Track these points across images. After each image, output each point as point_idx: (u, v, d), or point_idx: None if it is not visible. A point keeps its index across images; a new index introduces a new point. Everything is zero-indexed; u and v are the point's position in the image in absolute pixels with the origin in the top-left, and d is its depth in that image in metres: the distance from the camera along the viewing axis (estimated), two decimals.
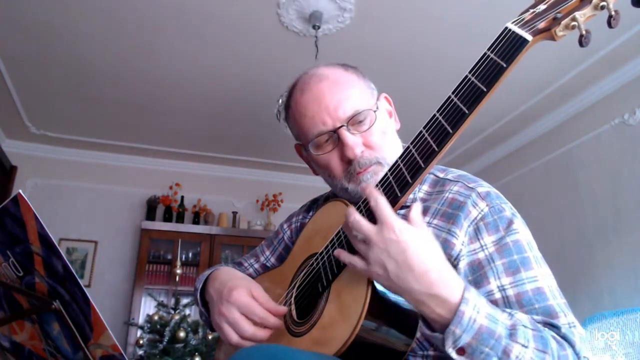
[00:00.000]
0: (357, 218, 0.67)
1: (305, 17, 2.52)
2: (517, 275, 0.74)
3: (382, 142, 0.88)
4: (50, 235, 0.79)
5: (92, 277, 3.98)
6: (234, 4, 2.44)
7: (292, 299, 0.86)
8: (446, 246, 0.78)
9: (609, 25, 0.60)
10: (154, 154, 4.32)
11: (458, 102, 0.66)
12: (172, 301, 3.04)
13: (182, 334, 2.71)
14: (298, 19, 2.55)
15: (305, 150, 0.94)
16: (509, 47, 0.62)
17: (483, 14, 2.45)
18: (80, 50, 2.81)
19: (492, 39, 0.65)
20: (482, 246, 0.78)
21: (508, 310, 0.69)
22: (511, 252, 0.76)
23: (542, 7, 0.64)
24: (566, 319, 0.71)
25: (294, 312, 0.84)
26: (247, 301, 0.82)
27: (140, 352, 2.79)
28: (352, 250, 0.71)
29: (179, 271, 3.04)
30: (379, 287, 0.71)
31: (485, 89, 0.63)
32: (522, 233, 0.79)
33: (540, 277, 0.75)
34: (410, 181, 0.69)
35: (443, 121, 0.67)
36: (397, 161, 0.72)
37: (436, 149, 0.67)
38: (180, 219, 4.23)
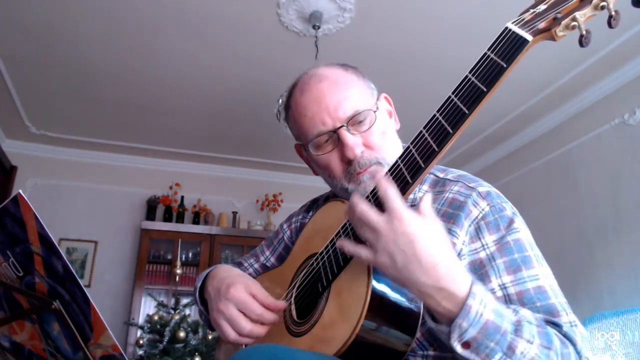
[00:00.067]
0: (364, 208, 0.66)
1: (305, 17, 2.52)
2: (519, 273, 0.75)
3: (382, 143, 0.88)
4: (50, 235, 0.79)
5: (92, 277, 3.98)
6: (234, 4, 2.44)
7: (292, 298, 0.86)
8: None
9: (609, 25, 0.60)
10: (154, 154, 4.32)
11: (458, 102, 0.66)
12: (172, 301, 3.04)
13: (182, 334, 2.71)
14: (298, 19, 2.55)
15: (305, 151, 0.94)
16: (509, 47, 0.62)
17: (483, 14, 2.45)
18: (80, 50, 2.81)
19: (492, 39, 0.65)
20: (483, 245, 0.78)
21: (512, 306, 0.69)
22: (512, 251, 0.76)
23: (542, 7, 0.64)
24: (568, 317, 0.71)
25: (294, 312, 0.84)
26: (244, 298, 0.82)
27: (140, 352, 2.79)
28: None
29: (179, 271, 3.04)
30: (378, 287, 0.71)
31: (485, 89, 0.63)
32: (522, 232, 0.79)
33: (541, 275, 0.75)
34: (410, 181, 0.69)
35: (443, 121, 0.67)
36: (397, 161, 0.72)
37: (436, 149, 0.66)
38: (180, 219, 4.23)
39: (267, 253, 1.12)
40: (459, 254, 0.78)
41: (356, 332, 0.68)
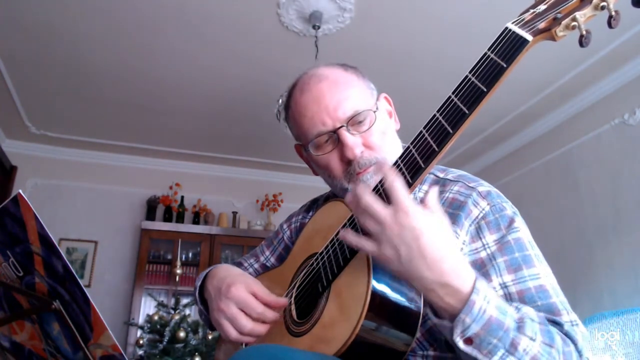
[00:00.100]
0: (370, 200, 0.65)
1: (305, 17, 2.52)
2: (519, 272, 0.75)
3: (382, 143, 0.88)
4: (50, 235, 0.79)
5: (92, 277, 3.98)
6: (234, 4, 2.44)
7: (292, 298, 0.86)
8: None
9: (609, 25, 0.60)
10: (154, 154, 4.32)
11: (458, 102, 0.65)
12: (172, 301, 3.04)
13: (182, 334, 2.71)
14: (298, 19, 2.55)
15: (305, 151, 0.94)
16: (509, 47, 0.62)
17: (483, 14, 2.45)
18: (80, 50, 2.81)
19: (492, 39, 0.65)
20: (484, 245, 0.78)
21: (514, 304, 0.69)
22: (513, 250, 0.76)
23: (542, 7, 0.64)
24: (568, 316, 0.71)
25: (294, 312, 0.84)
26: (245, 296, 0.82)
27: (140, 352, 2.79)
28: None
29: (179, 271, 3.04)
30: (379, 287, 0.71)
31: (485, 89, 0.63)
32: (523, 231, 0.79)
33: (542, 274, 0.75)
34: (410, 181, 0.68)
35: (443, 121, 0.67)
36: (397, 161, 0.72)
37: (436, 149, 0.66)
38: (180, 219, 4.23)
39: (267, 253, 1.12)
40: None
41: (356, 332, 0.68)
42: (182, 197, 4.32)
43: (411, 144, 0.71)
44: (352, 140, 0.86)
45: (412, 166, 0.69)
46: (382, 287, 0.71)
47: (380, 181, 0.71)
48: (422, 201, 0.67)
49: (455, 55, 2.76)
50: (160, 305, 2.99)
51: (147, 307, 3.87)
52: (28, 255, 0.82)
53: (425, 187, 0.90)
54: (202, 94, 3.30)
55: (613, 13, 0.59)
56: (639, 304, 2.63)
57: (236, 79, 3.11)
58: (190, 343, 2.75)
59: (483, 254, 0.77)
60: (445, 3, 2.42)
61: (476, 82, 0.64)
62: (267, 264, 1.11)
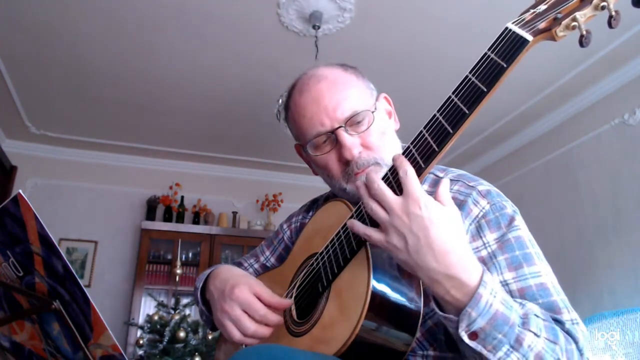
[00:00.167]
0: (381, 187, 0.65)
1: (305, 17, 2.52)
2: (520, 270, 0.74)
3: (381, 143, 0.88)
4: (50, 235, 0.79)
5: (92, 277, 3.98)
6: (234, 4, 2.44)
7: (292, 298, 0.86)
8: None
9: (610, 25, 0.59)
10: (154, 154, 4.32)
11: (458, 102, 0.65)
12: (172, 301, 3.04)
13: (182, 334, 2.71)
14: (298, 19, 2.55)
15: (304, 151, 0.94)
16: (510, 47, 0.62)
17: (483, 14, 2.45)
18: (80, 50, 2.81)
19: (493, 39, 0.65)
20: (484, 244, 0.78)
21: (518, 300, 0.69)
22: (513, 248, 0.76)
23: (542, 7, 0.64)
24: (569, 315, 0.71)
25: (294, 312, 0.84)
26: (248, 298, 0.82)
27: (140, 352, 2.79)
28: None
29: (179, 271, 3.04)
30: (379, 286, 0.71)
31: (485, 89, 0.63)
32: (523, 230, 0.79)
33: (543, 272, 0.75)
34: None
35: (443, 121, 0.67)
36: None
37: (436, 149, 0.66)
38: (180, 219, 4.23)
39: (267, 253, 1.12)
40: None
41: (356, 332, 0.68)
42: (182, 197, 4.32)
43: (411, 143, 0.70)
44: (350, 140, 0.86)
45: (412, 166, 0.69)
46: (382, 287, 0.71)
47: (390, 169, 0.70)
48: (434, 193, 0.67)
49: (455, 55, 2.76)
50: (160, 305, 2.99)
51: (147, 307, 3.87)
52: (28, 255, 0.82)
53: (425, 186, 0.90)
54: (202, 94, 3.30)
55: (613, 13, 0.59)
56: (639, 304, 2.63)
57: (236, 79, 3.11)
58: (190, 343, 2.75)
59: (484, 253, 0.77)
60: (445, 3, 2.42)
61: (476, 82, 0.64)
62: (267, 264, 1.11)
